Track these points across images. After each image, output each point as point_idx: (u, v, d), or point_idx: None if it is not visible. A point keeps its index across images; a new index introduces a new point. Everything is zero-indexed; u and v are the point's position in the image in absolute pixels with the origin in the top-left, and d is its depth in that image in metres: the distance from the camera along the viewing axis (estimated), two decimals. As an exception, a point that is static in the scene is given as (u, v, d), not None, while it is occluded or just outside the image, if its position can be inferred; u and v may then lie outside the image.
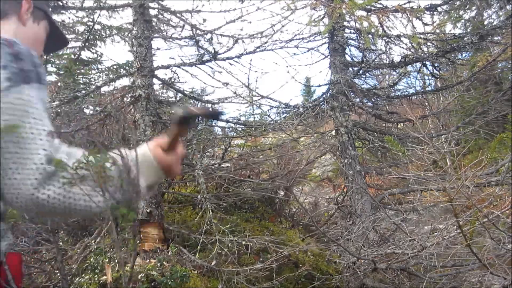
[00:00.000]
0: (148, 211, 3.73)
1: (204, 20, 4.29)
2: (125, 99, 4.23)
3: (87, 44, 6.88)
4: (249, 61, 4.38)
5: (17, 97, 0.88)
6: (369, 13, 5.13)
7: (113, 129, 4.18)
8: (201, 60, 4.23)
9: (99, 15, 5.55)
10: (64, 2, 4.62)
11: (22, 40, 1.03)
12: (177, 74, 4.52)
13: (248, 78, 4.46)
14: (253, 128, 4.76)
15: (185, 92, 4.74)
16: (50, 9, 1.32)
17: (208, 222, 3.48)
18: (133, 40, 4.11)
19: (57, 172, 0.87)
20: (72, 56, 6.91)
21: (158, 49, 4.55)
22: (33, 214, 0.90)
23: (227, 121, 4.77)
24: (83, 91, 4.18)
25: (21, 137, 0.86)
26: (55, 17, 7.34)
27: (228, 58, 4.27)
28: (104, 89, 4.75)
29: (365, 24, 4.73)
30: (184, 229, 4.05)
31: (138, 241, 3.75)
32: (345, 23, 5.77)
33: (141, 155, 0.98)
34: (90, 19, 6.04)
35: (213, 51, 4.15)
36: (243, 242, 3.37)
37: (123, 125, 4.04)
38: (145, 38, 4.10)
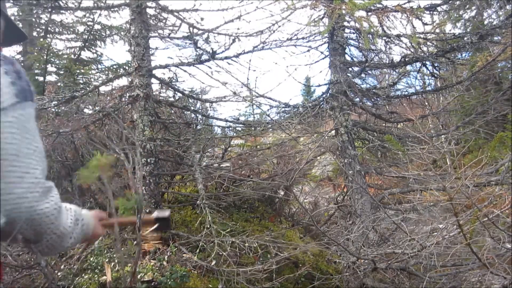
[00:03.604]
0: (147, 211, 3.72)
1: (202, 19, 4.28)
2: (123, 98, 4.22)
3: (87, 44, 6.88)
4: (248, 61, 4.34)
5: (20, 113, 0.91)
6: (369, 13, 5.13)
7: (112, 128, 4.17)
8: (199, 60, 4.23)
9: (100, 15, 5.55)
10: (64, 2, 4.62)
11: None
12: (176, 74, 4.51)
13: (248, 78, 4.45)
14: (252, 128, 4.75)
15: (184, 91, 4.73)
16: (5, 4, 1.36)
17: (208, 226, 3.46)
18: (131, 39, 4.09)
19: (52, 189, 0.93)
20: (72, 56, 6.91)
21: (156, 48, 4.55)
22: (27, 231, 0.92)
23: (226, 121, 4.76)
24: (82, 91, 4.17)
25: (21, 152, 0.89)
26: (55, 17, 7.34)
27: (226, 58, 4.26)
28: (103, 88, 4.75)
29: (365, 24, 4.73)
30: (184, 230, 4.05)
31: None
32: (345, 23, 5.77)
33: (87, 218, 1.09)
34: (90, 19, 6.03)
35: (211, 51, 4.15)
36: (246, 244, 3.35)
37: (122, 125, 4.03)
38: (143, 37, 4.08)
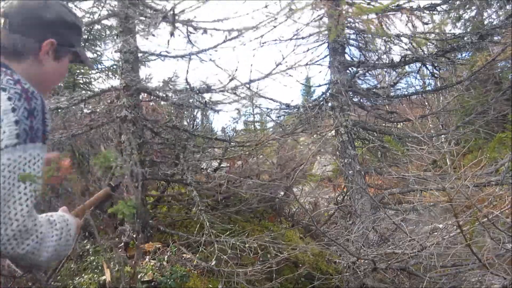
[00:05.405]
0: (134, 235, 3.57)
1: (196, 29, 3.96)
2: (112, 114, 3.99)
3: (87, 44, 6.87)
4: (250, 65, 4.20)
5: (19, 155, 0.88)
6: (369, 14, 5.13)
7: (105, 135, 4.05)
8: (194, 105, 3.95)
9: (99, 15, 5.54)
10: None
11: (38, 78, 1.05)
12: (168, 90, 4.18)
13: (250, 82, 4.33)
14: (247, 145, 4.59)
15: (176, 102, 4.47)
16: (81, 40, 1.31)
17: (207, 232, 3.44)
18: (119, 54, 3.72)
19: (33, 227, 0.93)
20: (72, 56, 6.91)
21: (148, 61, 4.32)
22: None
23: (218, 139, 4.62)
24: (66, 102, 3.80)
25: (6, 198, 0.86)
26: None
27: (218, 103, 3.99)
28: (101, 86, 4.59)
29: (373, 28, 4.73)
30: (183, 230, 4.05)
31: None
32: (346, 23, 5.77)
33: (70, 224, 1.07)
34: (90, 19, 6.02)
35: (204, 101, 3.87)
36: (247, 245, 3.35)
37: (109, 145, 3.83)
38: (131, 53, 3.71)
